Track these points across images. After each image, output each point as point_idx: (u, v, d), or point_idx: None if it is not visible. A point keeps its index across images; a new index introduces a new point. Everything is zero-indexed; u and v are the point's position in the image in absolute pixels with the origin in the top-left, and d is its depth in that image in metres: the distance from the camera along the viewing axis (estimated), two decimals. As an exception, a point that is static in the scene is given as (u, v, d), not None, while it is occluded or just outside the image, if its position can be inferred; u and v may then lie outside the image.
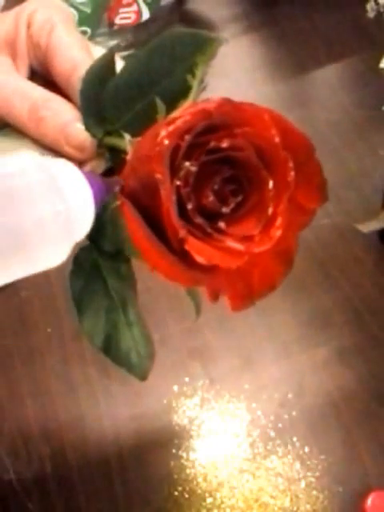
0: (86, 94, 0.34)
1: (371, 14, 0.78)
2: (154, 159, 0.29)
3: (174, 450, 0.61)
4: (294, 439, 0.61)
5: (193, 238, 0.29)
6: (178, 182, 0.29)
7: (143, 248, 0.30)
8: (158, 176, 0.28)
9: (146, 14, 0.88)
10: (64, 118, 0.33)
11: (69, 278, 0.36)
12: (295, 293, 0.69)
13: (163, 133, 0.29)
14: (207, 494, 0.59)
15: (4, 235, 0.27)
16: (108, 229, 0.34)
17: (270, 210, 0.30)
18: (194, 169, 0.29)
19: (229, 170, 0.30)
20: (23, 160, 0.28)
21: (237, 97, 0.29)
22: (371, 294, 0.69)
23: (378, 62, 0.73)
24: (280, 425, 0.62)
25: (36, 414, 0.64)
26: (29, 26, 0.35)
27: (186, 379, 0.65)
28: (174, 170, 0.29)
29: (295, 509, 0.58)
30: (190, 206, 0.29)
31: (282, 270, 0.32)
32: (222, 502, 0.59)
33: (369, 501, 0.56)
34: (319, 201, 0.32)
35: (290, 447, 0.61)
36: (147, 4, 0.88)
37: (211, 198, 0.30)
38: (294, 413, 0.63)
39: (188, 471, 0.60)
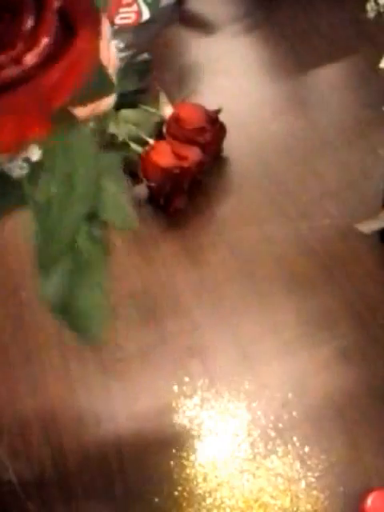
0: None
1: (371, 14, 0.77)
2: None
3: (174, 450, 0.61)
4: (295, 439, 0.61)
5: None
6: None
7: None
8: None
9: (146, 14, 0.88)
10: None
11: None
12: (296, 292, 0.69)
13: None
14: (207, 494, 0.59)
15: None
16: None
17: (30, 23, 0.26)
18: None
19: None
20: None
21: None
22: (372, 294, 0.69)
23: (378, 61, 0.73)
24: (280, 425, 0.62)
25: (36, 414, 0.64)
26: None
27: (186, 379, 0.65)
28: None
29: (295, 509, 0.58)
30: None
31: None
32: (222, 502, 0.58)
33: (369, 501, 0.56)
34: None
35: (290, 447, 0.61)
36: (147, 4, 0.88)
37: None
38: (294, 412, 0.62)
39: (188, 471, 0.60)
